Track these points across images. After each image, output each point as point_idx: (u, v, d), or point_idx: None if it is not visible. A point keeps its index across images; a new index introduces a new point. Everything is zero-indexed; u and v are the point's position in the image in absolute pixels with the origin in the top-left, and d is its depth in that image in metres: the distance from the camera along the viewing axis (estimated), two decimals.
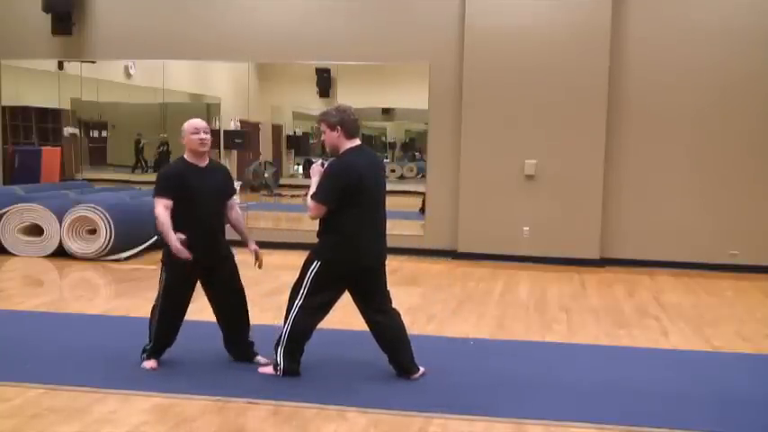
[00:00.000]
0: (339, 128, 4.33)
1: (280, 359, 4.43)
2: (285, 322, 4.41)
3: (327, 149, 4.47)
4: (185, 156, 4.58)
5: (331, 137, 4.36)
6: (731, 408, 4.21)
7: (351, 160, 4.33)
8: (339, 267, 4.36)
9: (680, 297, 7.39)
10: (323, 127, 4.39)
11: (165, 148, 11.83)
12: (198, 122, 4.56)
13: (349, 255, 4.33)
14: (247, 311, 4.77)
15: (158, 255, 4.77)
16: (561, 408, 4.12)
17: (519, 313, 6.52)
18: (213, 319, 4.87)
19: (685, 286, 7.97)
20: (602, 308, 6.82)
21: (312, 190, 4.32)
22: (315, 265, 4.34)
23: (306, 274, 4.36)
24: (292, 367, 4.44)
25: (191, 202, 4.41)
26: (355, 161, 4.33)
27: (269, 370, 4.51)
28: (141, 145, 12.35)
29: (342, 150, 4.37)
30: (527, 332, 5.89)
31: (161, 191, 4.44)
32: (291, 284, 4.45)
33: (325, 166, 4.38)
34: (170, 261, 4.51)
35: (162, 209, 4.38)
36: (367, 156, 4.49)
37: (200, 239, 4.45)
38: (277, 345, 4.44)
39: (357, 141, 4.41)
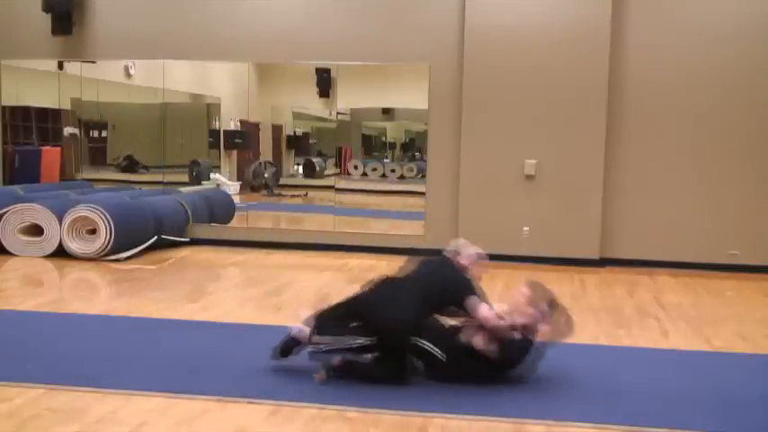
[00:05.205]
0: None
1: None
2: None
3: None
4: None
5: None
6: (731, 408, 4.21)
7: None
8: None
9: (680, 297, 7.38)
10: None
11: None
12: None
13: None
14: None
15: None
16: (561, 408, 4.11)
17: None
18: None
19: (685, 286, 7.97)
20: (602, 308, 6.81)
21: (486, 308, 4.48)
22: None
23: None
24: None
25: None
26: None
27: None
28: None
29: None
30: None
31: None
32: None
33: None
34: None
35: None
36: None
37: None
38: None
39: None
